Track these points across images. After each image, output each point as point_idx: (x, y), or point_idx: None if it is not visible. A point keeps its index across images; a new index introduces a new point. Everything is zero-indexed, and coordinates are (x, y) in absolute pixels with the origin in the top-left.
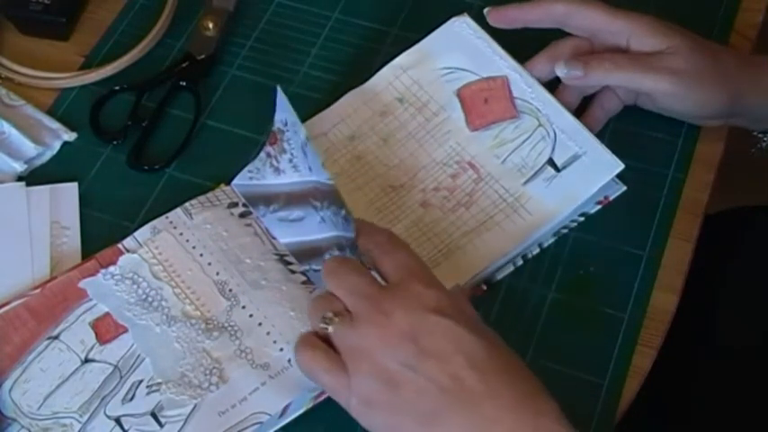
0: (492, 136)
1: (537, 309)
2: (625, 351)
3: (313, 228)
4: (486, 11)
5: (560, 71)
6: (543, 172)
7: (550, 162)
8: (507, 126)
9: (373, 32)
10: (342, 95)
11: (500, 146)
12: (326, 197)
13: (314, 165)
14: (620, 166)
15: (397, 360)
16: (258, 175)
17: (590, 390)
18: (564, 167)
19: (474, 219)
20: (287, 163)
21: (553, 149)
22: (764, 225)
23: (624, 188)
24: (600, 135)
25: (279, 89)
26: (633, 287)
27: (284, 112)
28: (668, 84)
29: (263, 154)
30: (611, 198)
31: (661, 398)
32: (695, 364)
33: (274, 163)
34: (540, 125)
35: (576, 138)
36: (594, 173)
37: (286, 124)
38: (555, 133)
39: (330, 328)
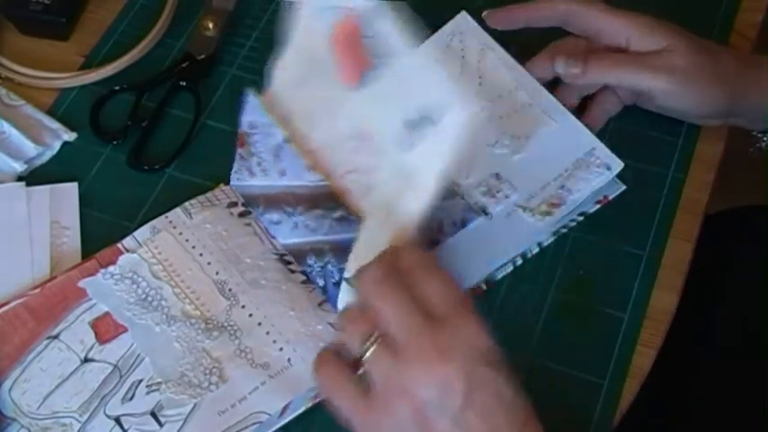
0: None
1: (537, 309)
2: (625, 351)
3: (291, 232)
4: (485, 14)
5: (559, 68)
6: None
7: None
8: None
9: None
10: None
11: None
12: (308, 200)
13: (291, 168)
14: (620, 165)
15: (440, 409)
16: (240, 176)
17: (590, 390)
18: None
19: None
20: (256, 166)
21: None
22: (764, 225)
23: (623, 187)
24: (600, 135)
25: (251, 92)
26: (633, 287)
27: (252, 114)
28: (666, 82)
29: (237, 155)
30: (611, 197)
31: (661, 398)
32: (695, 364)
33: (246, 165)
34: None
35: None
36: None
37: (254, 127)
38: None
39: (369, 354)
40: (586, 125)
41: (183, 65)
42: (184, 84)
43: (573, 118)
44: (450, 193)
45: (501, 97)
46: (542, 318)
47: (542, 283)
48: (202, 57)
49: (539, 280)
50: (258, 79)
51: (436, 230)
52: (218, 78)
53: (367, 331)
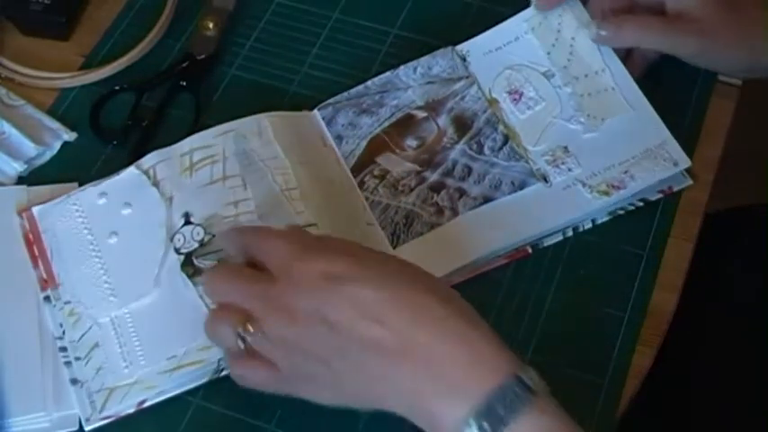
0: None
1: (537, 309)
2: (625, 351)
3: None
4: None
5: (592, 32)
6: None
7: None
8: None
9: (373, 32)
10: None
11: None
12: None
13: None
14: (687, 163)
15: (321, 344)
16: None
17: (590, 390)
18: None
19: None
20: None
21: None
22: (764, 225)
23: (690, 182)
24: None
25: None
26: (633, 287)
27: None
28: (695, 46)
29: None
30: (675, 189)
31: (661, 398)
32: (695, 364)
33: None
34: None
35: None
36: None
37: None
38: None
39: (249, 340)
40: (630, 72)
41: (183, 65)
42: (184, 84)
43: (651, 109)
44: (515, 154)
45: (587, 77)
46: (542, 318)
47: (542, 283)
48: (202, 57)
49: (539, 280)
50: (258, 79)
51: (493, 187)
52: (218, 78)
53: (236, 323)
